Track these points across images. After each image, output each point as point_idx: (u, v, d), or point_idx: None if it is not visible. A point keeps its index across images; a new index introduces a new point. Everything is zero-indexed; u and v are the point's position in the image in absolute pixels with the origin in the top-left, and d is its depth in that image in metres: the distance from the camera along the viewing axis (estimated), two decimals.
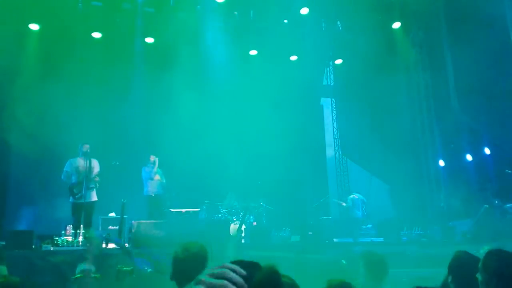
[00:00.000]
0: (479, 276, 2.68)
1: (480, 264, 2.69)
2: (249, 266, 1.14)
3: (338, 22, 13.80)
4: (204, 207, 11.58)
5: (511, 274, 2.54)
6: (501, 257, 2.63)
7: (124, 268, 6.07)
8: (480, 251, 6.78)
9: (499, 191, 10.30)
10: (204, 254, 3.13)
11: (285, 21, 12.77)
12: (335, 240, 9.55)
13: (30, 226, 9.44)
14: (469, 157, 12.42)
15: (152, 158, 10.28)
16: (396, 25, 13.29)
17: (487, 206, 9.76)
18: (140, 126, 11.64)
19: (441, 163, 13.13)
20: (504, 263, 2.59)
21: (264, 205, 11.54)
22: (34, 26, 11.44)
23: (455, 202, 10.86)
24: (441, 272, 3.38)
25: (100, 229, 9.41)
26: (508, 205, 9.78)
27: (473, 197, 10.43)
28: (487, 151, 12.05)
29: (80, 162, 8.60)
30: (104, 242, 7.79)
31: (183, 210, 11.42)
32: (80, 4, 11.47)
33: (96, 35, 11.97)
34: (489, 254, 2.68)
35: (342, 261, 6.48)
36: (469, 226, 9.53)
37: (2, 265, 4.86)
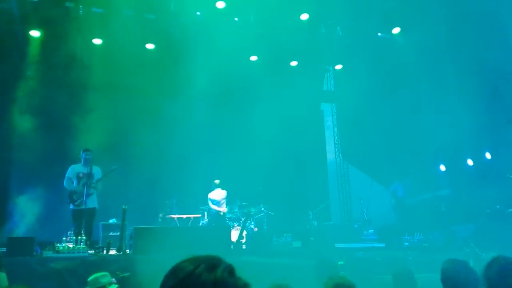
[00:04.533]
0: (482, 286, 2.64)
1: (482, 273, 2.65)
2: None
3: (338, 27, 13.84)
4: (206, 213, 11.59)
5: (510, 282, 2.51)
6: (503, 266, 2.60)
7: (122, 274, 6.06)
8: (483, 256, 6.77)
9: (500, 196, 10.27)
10: None
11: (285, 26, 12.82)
12: (336, 245, 9.53)
13: (31, 233, 9.42)
14: (470, 162, 12.42)
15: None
16: (396, 30, 13.32)
17: (488, 211, 9.74)
18: (141, 132, 11.65)
19: (442, 168, 13.13)
20: (506, 272, 2.56)
21: (265, 210, 11.53)
22: (35, 33, 11.49)
23: (456, 207, 10.84)
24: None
25: (100, 235, 9.40)
26: (509, 210, 9.76)
27: (474, 202, 10.40)
28: (488, 155, 12.05)
29: (82, 168, 8.60)
30: (105, 248, 7.79)
31: (184, 216, 11.45)
32: (81, 11, 11.51)
33: (97, 41, 12.02)
34: (491, 262, 2.64)
35: (340, 262, 6.49)
36: (470, 231, 9.51)
37: (1, 272, 4.84)
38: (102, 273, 5.10)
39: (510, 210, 9.74)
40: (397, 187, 11.48)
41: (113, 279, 5.47)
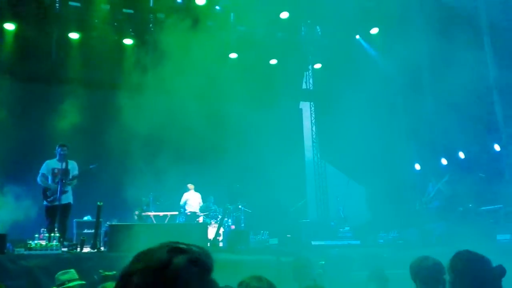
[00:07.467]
0: (446, 276, 2.79)
1: (448, 265, 2.79)
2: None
3: (318, 27, 13.93)
4: (182, 210, 11.54)
5: (475, 273, 2.63)
6: (467, 258, 2.72)
7: (106, 273, 5.97)
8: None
9: (473, 194, 10.50)
10: None
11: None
12: (313, 243, 9.60)
13: (3, 230, 9.19)
14: (444, 161, 12.67)
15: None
16: (374, 30, 13.49)
17: (461, 209, 9.96)
18: (118, 127, 11.51)
19: (417, 167, 13.35)
20: (469, 263, 2.68)
21: (242, 208, 11.53)
22: (9, 26, 11.21)
23: (431, 205, 11.04)
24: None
25: (75, 232, 9.26)
26: (482, 208, 10.00)
27: (447, 200, 10.61)
28: (461, 155, 12.31)
29: (57, 164, 8.42)
30: (79, 245, 7.67)
31: (161, 213, 11.37)
32: (57, 5, 11.29)
33: (74, 35, 11.81)
34: (457, 255, 2.77)
35: (321, 262, 6.53)
36: (443, 229, 9.70)
37: None
38: (65, 271, 5.02)
39: (482, 208, 9.98)
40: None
41: (96, 277, 5.37)
